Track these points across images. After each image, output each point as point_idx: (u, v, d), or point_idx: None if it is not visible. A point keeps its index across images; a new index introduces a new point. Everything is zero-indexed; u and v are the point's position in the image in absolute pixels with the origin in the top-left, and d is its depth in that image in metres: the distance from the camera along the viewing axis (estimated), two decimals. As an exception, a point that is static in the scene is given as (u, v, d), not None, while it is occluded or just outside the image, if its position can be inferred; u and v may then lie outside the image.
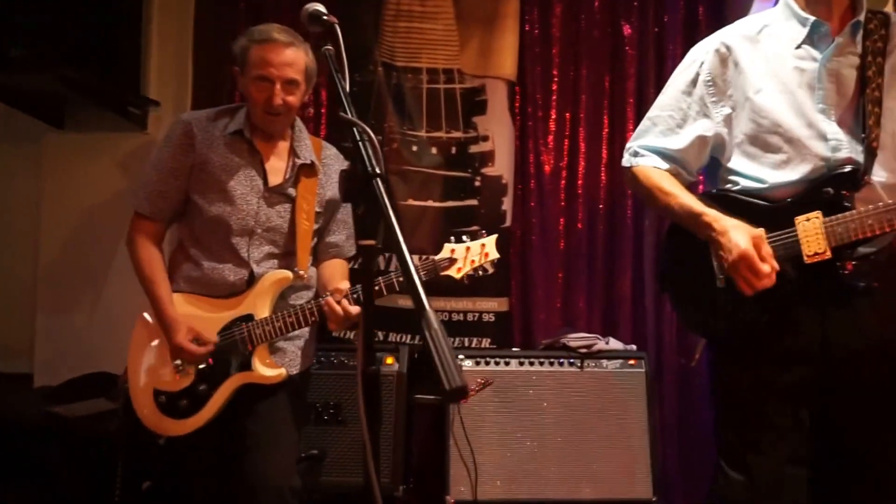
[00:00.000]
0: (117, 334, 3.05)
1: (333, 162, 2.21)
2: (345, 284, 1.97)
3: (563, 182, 3.17)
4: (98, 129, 3.07)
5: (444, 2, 3.13)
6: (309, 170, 2.11)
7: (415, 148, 3.14)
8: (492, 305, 3.13)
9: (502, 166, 3.12)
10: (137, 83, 2.92)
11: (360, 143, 1.22)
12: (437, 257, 1.99)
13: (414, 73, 3.15)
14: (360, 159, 1.20)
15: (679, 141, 1.85)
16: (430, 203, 3.14)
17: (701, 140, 1.83)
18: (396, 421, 2.76)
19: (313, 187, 2.12)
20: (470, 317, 3.12)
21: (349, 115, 1.29)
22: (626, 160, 1.95)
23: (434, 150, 3.15)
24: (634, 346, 2.90)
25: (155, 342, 2.05)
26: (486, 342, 3.11)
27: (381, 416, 1.23)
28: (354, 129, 1.25)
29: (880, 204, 1.60)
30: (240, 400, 2.02)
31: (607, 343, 2.84)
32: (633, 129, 3.08)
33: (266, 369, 2.01)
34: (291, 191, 2.09)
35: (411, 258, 1.05)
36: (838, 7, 1.70)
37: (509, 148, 3.13)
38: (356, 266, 3.07)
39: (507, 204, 3.13)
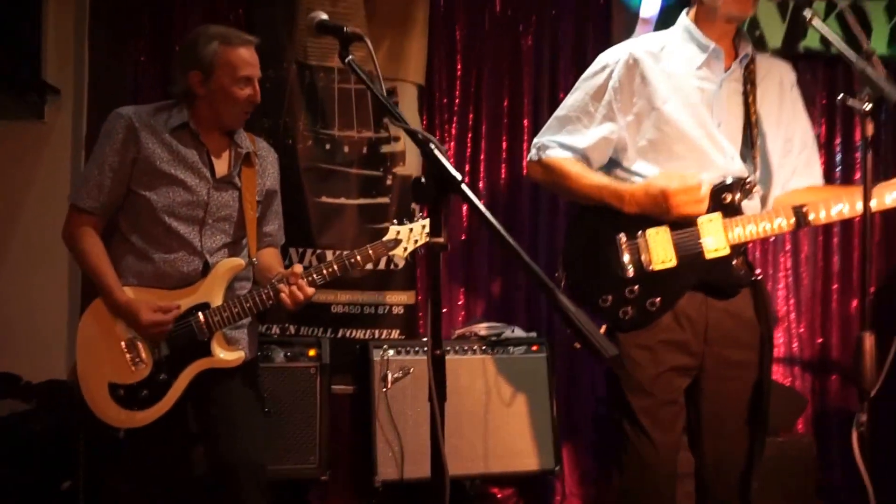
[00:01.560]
0: (3, 333, 2.91)
1: (267, 154, 2.30)
2: (298, 267, 2.07)
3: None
4: (-12, 117, 2.88)
5: (355, 4, 3.22)
6: (248, 160, 2.19)
7: (328, 146, 3.22)
8: (401, 298, 3.30)
9: (412, 166, 3.29)
10: (38, 69, 2.76)
11: (434, 150, 1.31)
12: (384, 239, 2.11)
13: (326, 73, 3.22)
14: (437, 165, 1.29)
15: (585, 140, 2.02)
16: (343, 200, 3.25)
17: (605, 141, 2.02)
18: (321, 409, 2.89)
19: (253, 177, 2.20)
20: (381, 309, 3.27)
21: (405, 124, 1.40)
22: (534, 154, 2.10)
23: (346, 149, 3.25)
24: (535, 334, 3.20)
25: (105, 335, 2.03)
26: (395, 333, 3.27)
27: (445, 397, 1.35)
28: (416, 137, 1.35)
29: (770, 210, 1.93)
30: (197, 388, 2.05)
31: (513, 331, 3.11)
32: (529, 134, 3.39)
33: (226, 353, 2.07)
34: (237, 180, 2.16)
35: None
36: (727, 38, 1.99)
37: (418, 149, 3.30)
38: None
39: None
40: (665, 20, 3.36)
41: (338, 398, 3.08)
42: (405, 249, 2.11)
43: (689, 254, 1.91)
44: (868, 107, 1.50)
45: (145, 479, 2.11)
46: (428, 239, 2.10)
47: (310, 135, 3.19)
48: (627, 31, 3.36)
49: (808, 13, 1.66)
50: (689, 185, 1.84)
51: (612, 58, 2.04)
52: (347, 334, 3.23)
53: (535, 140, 2.13)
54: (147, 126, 2.06)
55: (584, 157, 2.05)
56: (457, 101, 3.39)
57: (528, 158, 2.15)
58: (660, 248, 1.92)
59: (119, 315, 2.02)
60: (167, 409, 2.01)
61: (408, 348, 2.94)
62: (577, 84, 2.11)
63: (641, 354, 1.95)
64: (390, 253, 2.10)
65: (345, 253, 2.12)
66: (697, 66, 1.98)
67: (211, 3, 3.16)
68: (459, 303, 3.40)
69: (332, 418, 2.94)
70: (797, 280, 3.56)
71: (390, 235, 2.11)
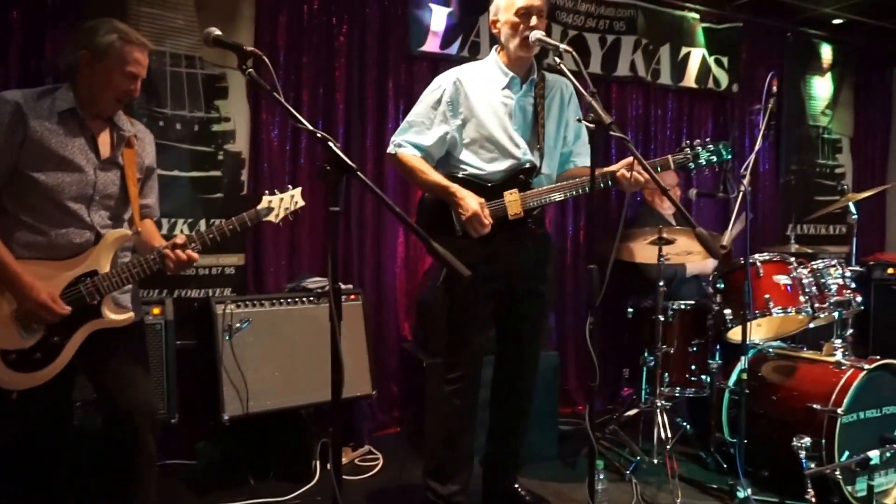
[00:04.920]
0: None
1: (145, 135, 2.53)
2: (182, 237, 2.35)
3: (287, 160, 3.92)
4: None
5: (185, -5, 3.55)
6: (129, 143, 2.42)
7: (161, 123, 3.53)
8: (232, 260, 3.74)
9: (241, 144, 3.72)
10: None
11: (332, 146, 1.76)
12: (258, 206, 2.39)
13: (158, 56, 3.50)
14: (336, 157, 1.74)
15: (428, 139, 2.77)
16: (176, 173, 3.58)
17: (441, 139, 2.78)
18: (168, 361, 3.27)
19: (134, 157, 2.43)
20: (214, 270, 3.69)
21: (306, 126, 1.83)
22: (392, 149, 2.81)
23: (179, 126, 3.58)
24: (351, 286, 3.84)
25: None
26: (227, 291, 3.71)
27: (342, 317, 1.73)
28: (316, 136, 1.78)
29: (550, 186, 2.74)
30: (92, 348, 2.30)
31: (334, 284, 3.71)
32: (343, 118, 3.99)
33: (115, 314, 2.31)
34: (120, 160, 2.39)
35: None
36: (524, 67, 2.79)
37: (247, 128, 3.75)
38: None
39: (245, 175, 3.75)
40: (448, 36, 4.19)
41: (180, 352, 3.44)
42: (277, 216, 2.44)
43: (499, 217, 2.72)
44: (593, 126, 2.28)
45: (33, 435, 2.32)
46: (296, 206, 2.61)
47: (144, 112, 3.46)
48: (420, 40, 4.11)
49: (554, 60, 2.41)
50: (485, 223, 2.63)
51: (445, 80, 2.79)
52: (184, 294, 3.61)
53: (393, 138, 2.83)
54: (34, 110, 2.22)
55: (427, 153, 2.79)
56: (279, 88, 3.84)
57: (388, 152, 2.86)
58: (479, 215, 2.72)
59: (11, 290, 2.16)
60: (60, 368, 2.23)
61: (246, 302, 3.40)
62: (420, 98, 2.83)
63: (463, 286, 2.74)
64: (264, 219, 2.42)
65: (223, 221, 2.40)
66: (502, 87, 2.78)
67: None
68: (283, 263, 3.92)
69: (177, 369, 3.32)
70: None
71: (263, 204, 2.42)
